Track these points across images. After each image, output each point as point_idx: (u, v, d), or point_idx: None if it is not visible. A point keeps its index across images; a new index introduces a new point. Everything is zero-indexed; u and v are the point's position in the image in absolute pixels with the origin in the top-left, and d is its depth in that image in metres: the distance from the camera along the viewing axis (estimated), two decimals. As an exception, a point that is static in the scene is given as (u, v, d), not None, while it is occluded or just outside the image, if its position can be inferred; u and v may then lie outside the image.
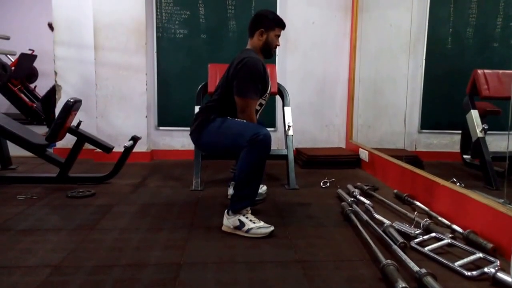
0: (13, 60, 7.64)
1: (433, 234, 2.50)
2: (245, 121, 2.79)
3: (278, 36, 3.02)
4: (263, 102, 3.05)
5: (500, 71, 3.86)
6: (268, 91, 3.00)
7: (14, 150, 4.22)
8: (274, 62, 5.10)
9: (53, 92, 5.46)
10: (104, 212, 3.05)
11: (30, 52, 7.96)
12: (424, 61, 4.90)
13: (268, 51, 3.01)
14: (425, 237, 2.48)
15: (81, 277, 2.01)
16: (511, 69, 3.91)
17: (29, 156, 4.06)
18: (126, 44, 4.86)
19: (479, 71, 3.83)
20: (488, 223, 2.47)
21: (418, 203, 3.15)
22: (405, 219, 2.88)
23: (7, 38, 7.14)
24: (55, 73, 5.12)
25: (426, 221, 2.67)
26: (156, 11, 5.09)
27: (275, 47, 3.05)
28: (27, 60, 7.82)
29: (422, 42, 4.88)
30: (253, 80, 2.79)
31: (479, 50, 4.89)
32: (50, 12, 5.08)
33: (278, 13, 5.04)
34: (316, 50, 5.32)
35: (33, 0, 9.03)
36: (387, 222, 2.63)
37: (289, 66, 5.30)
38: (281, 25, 3.01)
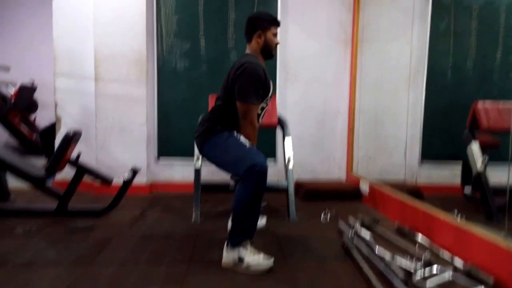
0: (13, 91, 7.68)
1: (435, 269, 2.47)
2: (247, 145, 2.76)
3: (276, 34, 3.02)
4: (265, 105, 3.01)
5: (500, 104, 3.88)
6: (269, 95, 2.97)
7: (13, 182, 4.20)
8: (274, 93, 5.13)
9: (53, 126, 5.46)
10: (102, 245, 3.02)
11: (30, 83, 8.01)
12: (424, 93, 4.93)
13: (269, 52, 3.01)
14: (427, 271, 2.45)
15: (78, 313, 1.98)
16: (511, 101, 3.93)
17: (28, 189, 4.03)
18: (127, 76, 4.90)
19: (479, 104, 3.85)
20: (490, 257, 2.44)
21: (419, 237, 3.13)
22: (407, 253, 2.85)
23: (8, 69, 7.19)
24: (55, 104, 5.14)
25: (427, 255, 2.64)
26: (157, 43, 5.14)
27: (275, 46, 3.04)
28: (27, 92, 7.87)
29: (422, 74, 4.92)
30: (253, 85, 2.78)
31: (479, 83, 4.92)
32: (51, 43, 5.12)
33: (278, 46, 5.11)
34: (317, 82, 5.35)
35: (34, 31, 9.12)
36: (388, 256, 2.60)
37: (289, 97, 5.32)
38: (276, 23, 3.02)
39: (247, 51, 3.03)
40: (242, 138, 2.80)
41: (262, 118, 3.07)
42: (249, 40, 3.01)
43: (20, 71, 8.21)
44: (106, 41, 4.86)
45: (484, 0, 4.92)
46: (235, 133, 2.84)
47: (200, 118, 3.21)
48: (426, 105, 4.92)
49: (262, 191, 2.66)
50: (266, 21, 2.97)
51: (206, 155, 2.97)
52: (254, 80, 2.79)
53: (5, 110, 7.20)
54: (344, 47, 5.33)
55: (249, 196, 2.61)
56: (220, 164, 2.88)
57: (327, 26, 5.31)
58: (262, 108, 3.00)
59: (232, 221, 2.69)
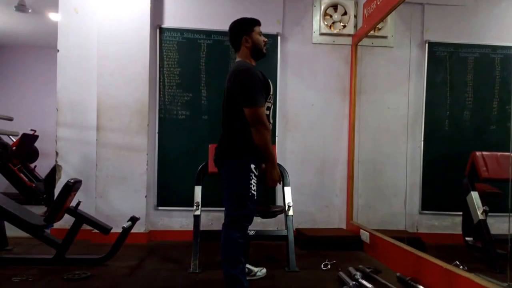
0: (14, 140, 7.72)
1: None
2: (253, 192, 2.74)
3: (260, 33, 2.99)
4: (270, 105, 2.95)
5: (499, 153, 3.91)
6: (271, 93, 2.93)
7: (11, 230, 4.18)
8: (274, 142, 5.17)
9: (53, 169, 5.46)
10: (99, 295, 2.98)
11: (32, 132, 8.06)
12: (422, 142, 4.98)
13: (259, 51, 2.97)
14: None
15: None
16: (509, 151, 3.96)
17: (26, 237, 4.01)
18: (129, 125, 4.95)
19: (478, 153, 3.87)
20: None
21: (421, 287, 3.08)
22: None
23: (10, 119, 7.25)
24: (56, 153, 5.16)
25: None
26: (159, 93, 5.21)
27: (265, 44, 3.00)
28: (28, 140, 7.91)
29: (420, 125, 4.99)
30: (254, 87, 2.76)
31: (477, 133, 4.98)
32: (55, 94, 5.20)
33: (278, 96, 5.22)
34: (316, 131, 5.40)
35: (38, 82, 9.28)
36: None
37: (289, 146, 5.36)
38: (257, 22, 3.00)
39: (238, 58, 3.00)
40: (253, 180, 2.77)
41: (271, 118, 3.00)
42: (237, 48, 2.98)
43: (23, 120, 8.27)
44: (109, 92, 4.93)
45: (479, 52, 5.03)
46: (253, 167, 2.78)
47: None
48: (425, 155, 4.96)
49: (243, 241, 2.75)
50: (247, 23, 2.97)
51: (222, 175, 2.92)
52: (254, 82, 2.77)
53: (5, 159, 7.22)
54: (342, 98, 5.42)
55: (232, 243, 2.70)
56: (224, 190, 2.87)
57: (325, 77, 5.42)
58: (268, 108, 2.93)
59: (223, 269, 2.73)
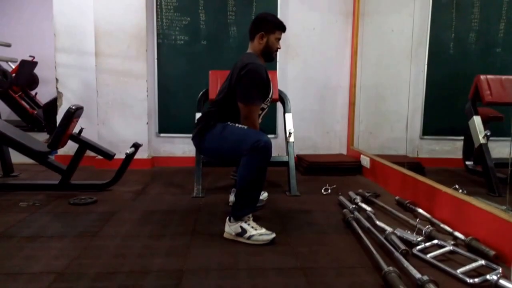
0: (13, 67, 7.65)
1: (435, 241, 2.50)
2: (246, 127, 2.79)
3: (279, 39, 3.00)
4: (265, 106, 3.05)
5: (503, 77, 3.86)
6: (270, 96, 2.99)
7: (16, 157, 4.22)
8: (275, 68, 5.12)
9: (54, 100, 5.46)
10: (106, 219, 3.05)
11: (30, 58, 7.98)
12: (426, 66, 4.90)
13: (269, 55, 3.00)
14: (427, 244, 2.48)
15: (85, 283, 2.01)
16: (513, 75, 3.92)
17: (31, 163, 4.05)
18: (127, 51, 4.87)
19: (482, 77, 3.82)
20: (491, 230, 2.46)
21: (420, 210, 3.15)
22: (407, 226, 2.88)
23: (8, 45, 7.15)
24: (56, 80, 5.13)
25: (428, 228, 2.66)
26: (157, 18, 5.10)
27: (276, 51, 3.03)
28: (27, 67, 7.84)
29: (424, 48, 4.89)
30: (256, 87, 2.80)
31: (482, 56, 4.89)
32: (52, 19, 5.09)
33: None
34: (317, 56, 5.33)
35: (34, 7, 9.07)
36: (389, 229, 2.62)
37: (290, 72, 5.31)
38: (281, 28, 2.99)
39: (249, 49, 3.02)
40: (239, 125, 2.81)
41: (262, 118, 3.09)
42: (252, 38, 2.99)
43: (21, 47, 8.16)
44: (106, 17, 4.82)
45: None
46: (230, 123, 2.84)
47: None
48: (428, 79, 4.89)
49: (265, 166, 2.68)
50: (272, 24, 2.95)
51: (206, 150, 2.99)
52: (257, 82, 2.80)
53: (6, 85, 7.19)
54: (345, 20, 5.30)
55: (253, 172, 2.62)
56: (222, 153, 2.88)
57: (328, -2, 5.27)
58: (262, 109, 3.02)
59: (236, 195, 2.71)
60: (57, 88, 5.14)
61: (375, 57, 5.05)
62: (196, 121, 3.07)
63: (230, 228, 2.67)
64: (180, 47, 5.18)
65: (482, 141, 3.68)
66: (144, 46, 4.91)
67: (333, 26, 5.31)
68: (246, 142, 2.60)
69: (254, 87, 2.80)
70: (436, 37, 4.87)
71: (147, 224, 2.97)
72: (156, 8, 5.09)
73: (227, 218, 2.71)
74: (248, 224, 2.64)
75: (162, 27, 5.13)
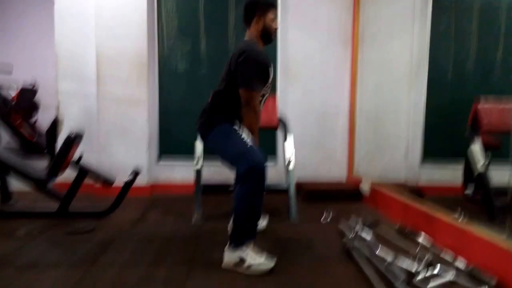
0: (14, 94, 7.69)
1: (436, 270, 2.47)
2: (248, 141, 2.74)
3: (274, 18, 3.00)
4: (265, 92, 2.99)
5: (501, 105, 3.88)
6: (269, 81, 2.96)
7: (15, 183, 4.20)
8: (275, 93, 5.14)
9: (54, 122, 5.44)
10: (104, 247, 3.03)
11: (32, 85, 8.02)
12: (425, 92, 4.93)
13: (268, 36, 3.00)
14: (428, 274, 2.45)
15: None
16: (512, 101, 3.94)
17: (29, 191, 4.04)
18: (128, 77, 4.90)
19: (481, 104, 3.84)
20: (491, 258, 2.44)
21: (420, 238, 3.12)
22: (408, 254, 2.85)
23: (10, 72, 7.20)
24: (57, 105, 5.14)
25: (428, 257, 2.64)
26: (158, 44, 5.15)
27: (275, 30, 3.03)
28: (28, 94, 7.87)
29: (423, 73, 4.92)
30: (256, 72, 2.79)
31: (480, 82, 4.92)
32: (53, 45, 5.13)
33: (279, 45, 5.14)
34: (317, 82, 5.35)
35: (36, 33, 9.14)
36: (389, 258, 2.60)
37: (290, 97, 5.32)
38: (274, 6, 3.01)
39: (246, 37, 3.02)
40: (244, 133, 2.79)
41: (263, 104, 3.05)
42: (248, 25, 3.01)
43: (22, 73, 8.21)
44: (107, 43, 4.86)
45: (484, 0, 4.93)
46: (237, 126, 2.84)
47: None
48: (428, 104, 4.92)
49: (261, 191, 2.67)
50: (264, 5, 2.96)
51: (209, 146, 2.98)
52: (257, 67, 2.80)
53: (6, 111, 7.21)
54: (344, 47, 5.33)
55: (248, 197, 2.61)
56: (222, 156, 2.87)
57: (327, 25, 5.31)
58: (263, 95, 2.98)
59: (233, 222, 2.69)
60: (57, 114, 5.15)
61: (374, 83, 5.07)
62: (201, 112, 3.04)
63: (229, 257, 2.64)
64: (181, 72, 5.21)
65: (481, 169, 3.68)
66: (145, 72, 4.94)
67: (333, 52, 5.34)
68: (243, 162, 2.61)
69: (253, 73, 2.79)
70: (435, 63, 4.91)
71: (145, 252, 2.94)
72: (158, 34, 5.14)
73: (226, 246, 2.68)
74: (247, 253, 2.62)
75: (163, 53, 5.17)
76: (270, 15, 2.97)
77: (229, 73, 2.89)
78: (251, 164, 2.58)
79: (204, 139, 3.01)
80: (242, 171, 2.59)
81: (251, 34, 3.00)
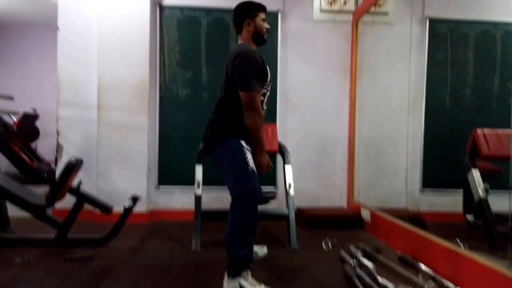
0: (15, 120, 7.70)
1: (438, 299, 2.45)
2: (250, 165, 2.73)
3: (264, 19, 2.99)
4: (266, 91, 2.96)
5: (499, 131, 3.89)
6: (268, 79, 2.94)
7: (13, 210, 4.18)
8: (274, 121, 5.16)
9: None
10: (102, 276, 2.99)
11: (32, 111, 8.04)
12: (423, 120, 4.96)
13: (260, 38, 2.98)
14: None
15: None
16: (510, 128, 3.94)
17: (28, 217, 4.01)
18: (129, 104, 4.93)
19: (479, 131, 3.85)
20: (493, 285, 2.42)
21: (422, 265, 3.10)
22: (409, 282, 2.82)
23: (11, 99, 7.23)
24: (58, 132, 5.15)
25: (430, 284, 2.61)
26: (160, 72, 5.19)
27: (266, 31, 3.01)
28: (29, 120, 7.89)
29: (421, 102, 4.97)
30: (253, 72, 2.77)
31: (478, 110, 4.96)
32: (55, 72, 5.17)
33: (278, 74, 5.18)
34: (316, 110, 5.38)
35: (38, 60, 9.22)
36: (390, 286, 2.57)
37: (289, 125, 5.35)
38: (262, 8, 3.00)
39: (239, 41, 3.02)
40: (248, 154, 2.77)
41: (266, 105, 3.01)
42: (239, 30, 2.99)
43: (24, 100, 8.26)
44: (109, 70, 4.90)
45: (480, 28, 4.99)
46: (243, 143, 2.80)
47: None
48: (426, 132, 4.95)
49: (253, 219, 2.68)
50: (253, 8, 2.96)
51: (215, 160, 2.95)
52: (253, 67, 2.78)
53: (6, 138, 7.21)
54: (343, 75, 5.38)
55: (240, 223, 2.64)
56: (224, 174, 2.85)
57: (326, 55, 5.38)
58: (264, 95, 2.94)
59: (228, 250, 2.68)
60: (57, 141, 5.16)
61: (373, 111, 5.11)
62: (207, 124, 3.06)
63: (229, 286, 2.61)
64: (182, 100, 5.23)
65: (482, 195, 3.67)
66: (146, 99, 4.97)
67: (332, 81, 5.39)
68: (239, 186, 2.67)
69: (251, 73, 2.76)
70: (432, 92, 4.97)
71: (144, 281, 2.91)
72: (160, 62, 5.18)
73: (225, 274, 2.66)
74: (247, 280, 2.59)
75: (164, 81, 5.21)
76: (260, 17, 2.96)
77: (227, 78, 2.88)
78: (246, 190, 2.62)
79: (210, 153, 3.00)
80: (237, 194, 2.63)
81: (243, 37, 2.99)
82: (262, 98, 2.90)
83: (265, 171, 2.87)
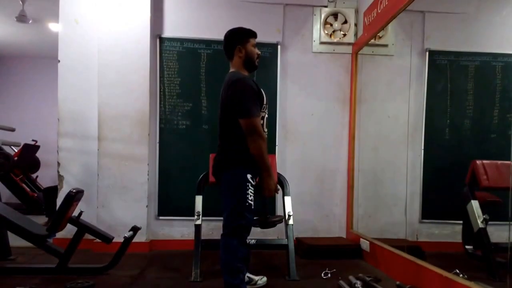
0: (16, 150, 7.76)
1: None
2: (250, 202, 2.77)
3: (255, 45, 3.01)
4: (264, 114, 2.99)
5: (499, 162, 3.92)
6: (265, 102, 2.96)
7: (15, 240, 4.19)
8: (274, 152, 5.20)
9: (55, 187, 5.43)
10: (102, 305, 3.00)
11: (33, 142, 8.10)
12: (422, 151, 4.99)
13: (252, 63, 3.00)
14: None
15: None
16: (510, 159, 3.98)
17: (29, 246, 4.02)
18: (130, 135, 4.97)
19: (478, 162, 3.90)
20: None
21: (421, 296, 3.10)
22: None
23: (12, 130, 7.30)
24: (58, 163, 5.18)
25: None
26: (160, 103, 5.23)
27: (258, 57, 3.02)
28: (30, 151, 7.95)
29: (420, 133, 5.00)
30: (249, 97, 2.78)
31: (477, 141, 4.99)
32: (55, 104, 5.24)
33: (278, 105, 5.25)
34: (315, 140, 5.42)
35: (39, 92, 9.34)
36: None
37: (288, 156, 5.38)
38: (253, 34, 3.02)
39: (231, 69, 3.03)
40: (250, 190, 2.79)
41: (266, 127, 3.03)
42: (230, 57, 3.01)
43: (24, 131, 8.32)
44: (110, 102, 4.95)
45: (479, 60, 5.05)
46: (249, 177, 2.80)
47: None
48: (425, 163, 4.97)
49: (244, 250, 2.80)
50: (243, 34, 2.99)
51: (220, 186, 2.96)
52: (248, 93, 2.80)
53: (7, 168, 7.25)
54: (342, 107, 5.44)
55: (232, 252, 2.73)
56: (223, 201, 2.89)
57: (325, 86, 5.45)
58: (262, 118, 2.96)
59: (224, 279, 2.76)
60: (58, 172, 5.19)
61: (372, 142, 5.15)
62: (216, 154, 3.04)
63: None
64: (182, 131, 5.28)
65: (481, 225, 3.69)
66: (146, 130, 5.01)
67: (331, 112, 5.44)
68: (236, 217, 2.77)
69: (247, 99, 2.77)
70: (431, 123, 5.00)
71: (143, 310, 2.91)
72: (160, 94, 5.23)
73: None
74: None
75: (164, 112, 5.25)
76: (250, 43, 2.99)
77: (223, 108, 2.91)
78: (241, 224, 2.73)
79: (217, 178, 3.01)
80: (231, 226, 2.74)
81: (234, 64, 3.00)
82: (261, 121, 2.92)
83: (273, 194, 2.89)
